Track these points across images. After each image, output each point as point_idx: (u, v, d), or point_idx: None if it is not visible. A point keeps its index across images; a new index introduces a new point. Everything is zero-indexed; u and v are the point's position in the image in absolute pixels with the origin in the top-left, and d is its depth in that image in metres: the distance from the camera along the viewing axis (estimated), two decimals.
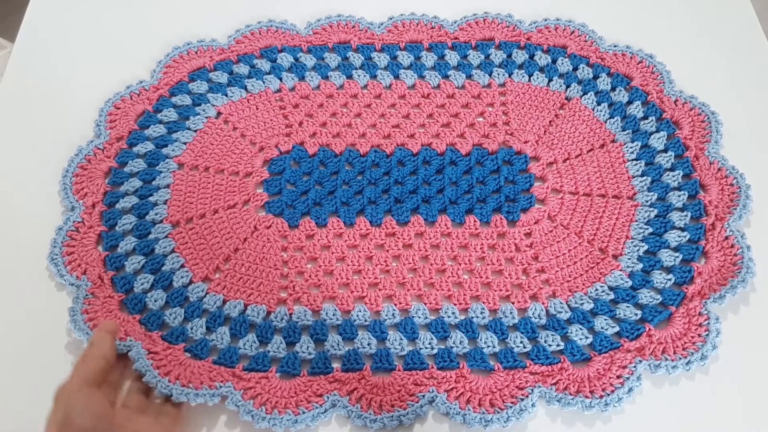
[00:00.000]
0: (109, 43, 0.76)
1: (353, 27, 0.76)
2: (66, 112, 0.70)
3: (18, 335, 0.57)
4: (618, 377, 0.53)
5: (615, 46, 0.74)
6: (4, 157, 0.67)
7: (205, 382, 0.53)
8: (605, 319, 0.56)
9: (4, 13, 1.36)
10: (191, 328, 0.56)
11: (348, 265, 0.60)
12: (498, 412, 0.52)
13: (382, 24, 0.76)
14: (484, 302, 0.58)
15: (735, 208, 0.62)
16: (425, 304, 0.58)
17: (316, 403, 0.52)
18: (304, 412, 0.52)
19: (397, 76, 0.72)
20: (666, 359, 0.54)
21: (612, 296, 0.58)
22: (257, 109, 0.70)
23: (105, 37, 0.77)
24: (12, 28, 0.82)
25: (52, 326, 0.57)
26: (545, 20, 0.76)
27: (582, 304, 0.57)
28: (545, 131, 0.69)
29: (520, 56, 0.73)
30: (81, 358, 0.48)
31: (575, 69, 0.73)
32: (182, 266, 0.60)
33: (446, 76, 0.72)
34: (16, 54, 0.75)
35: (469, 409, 0.52)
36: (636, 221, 0.62)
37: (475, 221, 0.63)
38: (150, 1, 0.80)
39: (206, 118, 0.69)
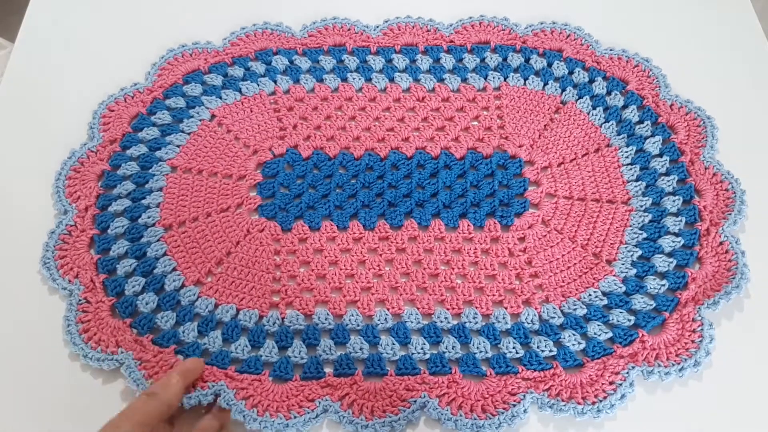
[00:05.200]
0: (108, 44, 0.76)
1: (348, 30, 0.76)
2: (66, 112, 0.70)
3: (10, 339, 0.57)
4: (610, 383, 0.53)
5: (611, 50, 0.74)
6: (2, 158, 0.67)
7: (197, 383, 0.53)
8: (598, 325, 0.56)
9: (4, 13, 1.36)
10: (183, 332, 0.56)
11: (341, 269, 0.60)
12: (490, 418, 0.52)
13: (377, 27, 0.76)
14: (476, 307, 0.58)
15: (730, 214, 0.61)
16: (418, 308, 0.58)
17: (308, 407, 0.52)
18: (295, 416, 0.52)
19: (392, 79, 0.72)
20: (659, 365, 0.54)
21: (605, 302, 0.58)
22: (251, 111, 0.70)
23: (104, 37, 0.77)
24: (12, 28, 0.82)
25: (45, 330, 0.57)
26: (541, 23, 0.76)
27: (575, 309, 0.57)
28: (540, 135, 0.68)
29: (515, 60, 0.73)
30: (142, 399, 0.46)
31: (571, 73, 0.72)
32: (174, 269, 0.60)
33: (441, 80, 0.72)
34: (16, 54, 0.75)
35: (460, 415, 0.52)
36: (630, 226, 0.62)
37: (468, 225, 0.62)
38: (147, 2, 0.80)
39: (200, 120, 0.69)
